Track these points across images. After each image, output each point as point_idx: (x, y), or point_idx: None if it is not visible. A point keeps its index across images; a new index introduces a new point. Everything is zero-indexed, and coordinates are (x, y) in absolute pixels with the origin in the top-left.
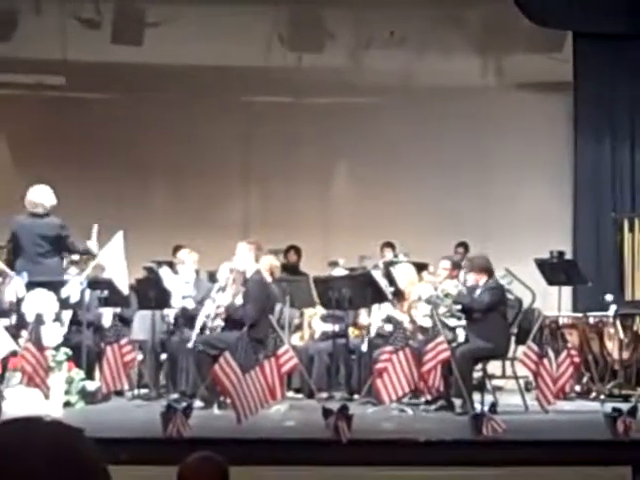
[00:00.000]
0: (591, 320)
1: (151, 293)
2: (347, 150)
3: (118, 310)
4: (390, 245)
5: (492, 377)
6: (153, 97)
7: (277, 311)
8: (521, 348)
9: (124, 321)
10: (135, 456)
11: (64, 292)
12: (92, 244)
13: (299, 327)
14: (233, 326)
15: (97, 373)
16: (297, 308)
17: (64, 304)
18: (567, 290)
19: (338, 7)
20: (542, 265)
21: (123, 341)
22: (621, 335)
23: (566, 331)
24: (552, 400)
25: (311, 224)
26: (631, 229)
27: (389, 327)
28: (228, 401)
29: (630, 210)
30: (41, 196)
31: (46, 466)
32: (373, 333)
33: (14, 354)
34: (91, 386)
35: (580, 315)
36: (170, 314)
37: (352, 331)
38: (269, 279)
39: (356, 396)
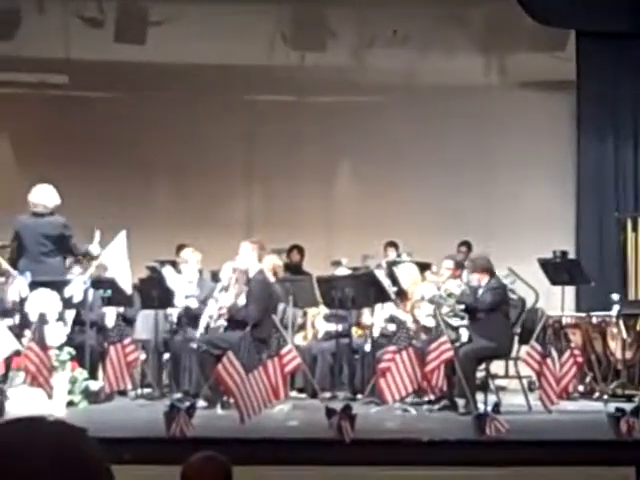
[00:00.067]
0: (594, 320)
1: (154, 292)
2: (350, 149)
3: (121, 310)
4: (393, 244)
5: (495, 377)
6: (156, 96)
7: (280, 311)
8: (524, 348)
9: (127, 321)
10: (138, 456)
11: (67, 292)
12: (94, 247)
13: (302, 327)
14: (236, 326)
15: (100, 373)
16: (300, 308)
17: (67, 304)
18: (570, 290)
19: (341, 6)
20: (545, 265)
21: (126, 341)
22: (624, 335)
23: (569, 331)
24: (555, 400)
25: (314, 223)
26: (634, 228)
27: (392, 327)
28: (231, 401)
29: (633, 209)
30: (41, 196)
31: (49, 466)
32: (376, 333)
33: (17, 354)
34: (94, 386)
35: (583, 315)
36: (173, 313)
37: (355, 331)
38: (272, 279)
39: (359, 396)
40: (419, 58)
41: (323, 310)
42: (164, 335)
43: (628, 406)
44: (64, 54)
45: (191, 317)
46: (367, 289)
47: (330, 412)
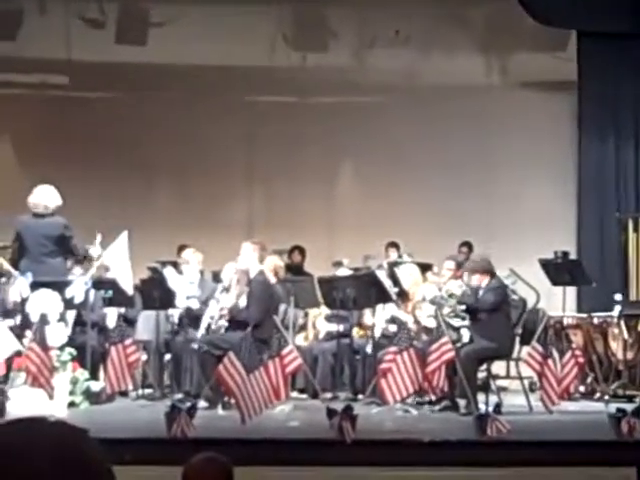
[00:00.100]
0: (595, 320)
1: (155, 293)
2: (351, 149)
3: (122, 310)
4: (394, 245)
5: (496, 377)
6: (157, 97)
7: (281, 311)
8: (525, 348)
9: (128, 321)
10: (139, 456)
11: (68, 292)
12: (94, 250)
13: (303, 327)
14: (237, 326)
15: (101, 373)
16: (301, 308)
17: (68, 304)
18: (571, 290)
19: (342, 6)
20: (546, 265)
21: (127, 341)
22: (625, 335)
23: (570, 331)
24: (556, 400)
25: (315, 224)
26: (635, 229)
27: (393, 327)
28: (232, 401)
29: (634, 210)
30: (42, 196)
31: (50, 466)
32: (377, 333)
33: (18, 354)
34: (95, 386)
35: (584, 315)
36: (174, 314)
37: (356, 331)
38: (273, 279)
39: (360, 396)
40: (420, 58)
41: (324, 311)
42: (165, 336)
43: (629, 407)
44: (65, 55)
45: (192, 318)
46: (368, 290)
47: (331, 413)
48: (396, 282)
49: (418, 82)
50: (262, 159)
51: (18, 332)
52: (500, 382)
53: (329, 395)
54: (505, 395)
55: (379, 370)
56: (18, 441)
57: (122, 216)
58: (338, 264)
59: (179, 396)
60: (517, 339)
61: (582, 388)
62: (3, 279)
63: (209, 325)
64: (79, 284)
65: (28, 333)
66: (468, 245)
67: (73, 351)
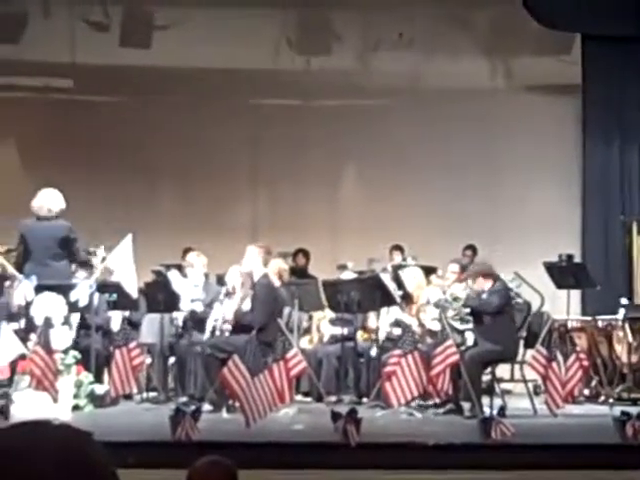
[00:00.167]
0: (600, 324)
1: (160, 296)
2: (355, 152)
3: (127, 313)
4: (399, 248)
5: (501, 381)
6: (161, 100)
7: (286, 314)
8: (530, 352)
9: (133, 324)
10: (144, 460)
11: (73, 295)
12: (96, 259)
13: (308, 330)
14: (242, 330)
15: (106, 376)
16: (306, 311)
17: (73, 307)
18: (576, 293)
19: (346, 10)
20: (551, 268)
21: (132, 344)
22: (630, 339)
23: (575, 334)
24: (561, 404)
25: (319, 227)
26: None
27: (398, 331)
28: (237, 405)
29: (639, 213)
30: (46, 200)
31: (54, 470)
32: (382, 337)
33: (23, 357)
34: (100, 389)
35: (589, 319)
36: (179, 317)
37: (361, 334)
38: (277, 283)
39: (365, 399)
40: (424, 61)
41: (329, 314)
42: (170, 339)
43: (634, 410)
44: (69, 58)
45: (197, 321)
46: (373, 293)
47: (335, 416)
48: (400, 285)
49: (422, 85)
50: (266, 162)
51: (22, 335)
52: (504, 385)
53: (333, 398)
54: (509, 398)
55: (383, 373)
56: (22, 444)
57: (126, 219)
58: (342, 267)
59: (183, 399)
60: (521, 342)
61: (587, 391)
62: (7, 282)
63: (214, 328)
64: (83, 287)
65: (32, 336)
66: (472, 248)
67: (77, 354)
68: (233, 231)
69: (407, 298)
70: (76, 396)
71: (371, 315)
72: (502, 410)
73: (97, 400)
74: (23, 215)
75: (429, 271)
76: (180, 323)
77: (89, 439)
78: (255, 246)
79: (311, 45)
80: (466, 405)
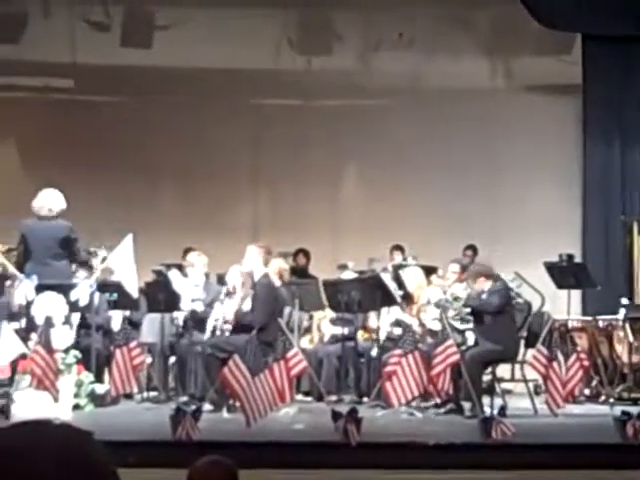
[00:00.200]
0: (600, 323)
1: (160, 296)
2: (356, 152)
3: (127, 313)
4: (399, 248)
5: (501, 380)
6: (162, 100)
7: (286, 314)
8: (530, 351)
9: (133, 324)
10: (144, 459)
11: (73, 295)
12: (96, 260)
13: (308, 330)
14: (242, 329)
15: (106, 376)
16: (306, 311)
17: (73, 307)
18: (576, 293)
19: (347, 10)
20: (551, 268)
21: (132, 344)
22: (630, 338)
23: (575, 334)
24: (561, 403)
25: (320, 227)
26: None
27: (398, 330)
28: (237, 404)
29: (639, 213)
30: (47, 200)
31: (55, 469)
32: (382, 336)
33: (24, 357)
34: (100, 389)
35: (589, 318)
36: (179, 317)
37: (361, 334)
38: (278, 282)
39: (365, 399)
40: (425, 61)
41: (329, 313)
42: (170, 338)
43: (634, 410)
44: (70, 58)
45: (197, 320)
46: (373, 293)
47: (336, 415)
48: (401, 285)
49: (423, 85)
50: (267, 162)
51: (23, 335)
52: (505, 385)
53: (334, 398)
54: (510, 398)
55: (384, 373)
56: (23, 444)
57: (127, 219)
58: (343, 267)
59: (184, 399)
60: (522, 342)
61: (587, 391)
62: (8, 282)
63: (214, 328)
64: (84, 287)
65: (33, 336)
66: (473, 248)
67: (78, 354)
68: (234, 231)
69: (408, 298)
70: (77, 395)
71: (372, 315)
72: (503, 410)
73: (98, 399)
74: (23, 215)
75: (430, 271)
76: (181, 323)
77: (90, 438)
78: (256, 246)
79: (312, 45)
80: (467, 405)
